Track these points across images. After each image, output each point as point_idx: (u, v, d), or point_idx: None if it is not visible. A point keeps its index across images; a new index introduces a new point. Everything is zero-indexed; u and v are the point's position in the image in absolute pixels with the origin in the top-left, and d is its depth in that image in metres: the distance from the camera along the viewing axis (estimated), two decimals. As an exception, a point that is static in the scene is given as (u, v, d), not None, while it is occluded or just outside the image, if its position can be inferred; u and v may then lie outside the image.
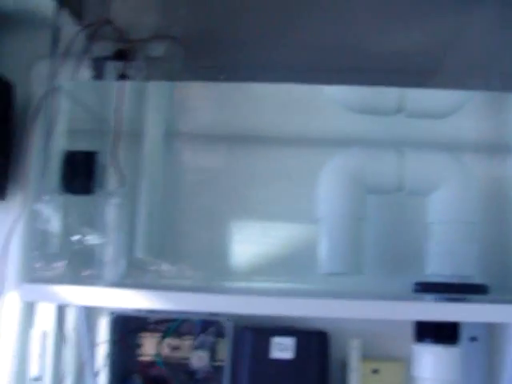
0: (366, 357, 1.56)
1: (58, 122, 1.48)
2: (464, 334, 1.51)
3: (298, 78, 1.76)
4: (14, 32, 1.65)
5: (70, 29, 1.57)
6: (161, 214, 1.58)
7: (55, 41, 1.53)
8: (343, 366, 1.58)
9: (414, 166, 1.46)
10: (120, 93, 1.45)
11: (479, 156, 1.58)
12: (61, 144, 1.48)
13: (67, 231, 1.43)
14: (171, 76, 1.66)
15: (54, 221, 1.41)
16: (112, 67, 1.56)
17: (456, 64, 1.64)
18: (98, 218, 1.48)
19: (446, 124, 1.56)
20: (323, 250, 1.45)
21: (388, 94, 1.50)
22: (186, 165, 1.64)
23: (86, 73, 1.59)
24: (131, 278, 1.52)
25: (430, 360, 1.47)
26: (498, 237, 1.53)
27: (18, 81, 1.61)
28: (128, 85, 1.51)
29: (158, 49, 1.66)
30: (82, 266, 1.46)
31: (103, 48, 1.61)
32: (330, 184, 1.47)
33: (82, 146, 1.49)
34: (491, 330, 1.60)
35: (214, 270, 1.60)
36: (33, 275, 1.35)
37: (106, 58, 1.60)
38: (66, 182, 1.42)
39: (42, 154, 1.56)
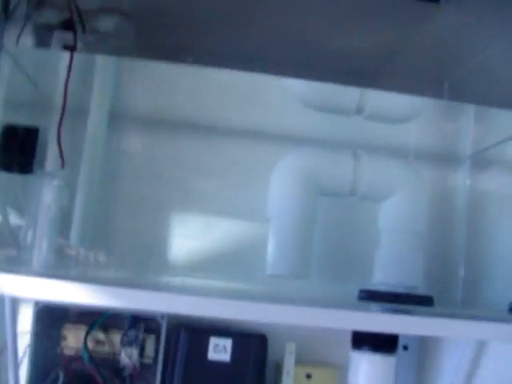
0: (300, 361, 1.53)
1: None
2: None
3: (253, 67, 1.70)
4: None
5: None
6: (98, 201, 1.48)
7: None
8: (277, 369, 1.55)
9: (369, 170, 1.43)
10: (68, 65, 1.33)
11: (429, 165, 1.57)
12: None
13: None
14: (120, 53, 1.56)
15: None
16: (58, 37, 1.44)
17: (406, 69, 1.63)
18: (32, 200, 1.36)
19: (400, 130, 1.54)
20: (271, 250, 1.40)
21: (348, 94, 1.45)
22: (129, 150, 1.55)
23: (28, 39, 1.46)
24: (59, 267, 1.41)
25: (366, 368, 1.44)
26: (442, 248, 1.53)
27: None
28: (75, 57, 1.38)
29: (106, 23, 1.55)
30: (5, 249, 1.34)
31: (49, 16, 1.48)
32: (281, 183, 1.42)
33: (20, 119, 1.36)
34: (422, 339, 1.61)
35: (150, 264, 1.51)
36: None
37: (52, 27, 1.48)
38: (3, 158, 1.29)
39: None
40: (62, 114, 1.30)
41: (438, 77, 1.65)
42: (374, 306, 1.39)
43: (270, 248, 1.40)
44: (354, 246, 1.52)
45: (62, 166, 1.30)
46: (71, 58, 1.35)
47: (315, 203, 1.42)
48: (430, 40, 1.59)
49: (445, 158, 1.61)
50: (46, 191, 1.31)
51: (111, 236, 1.51)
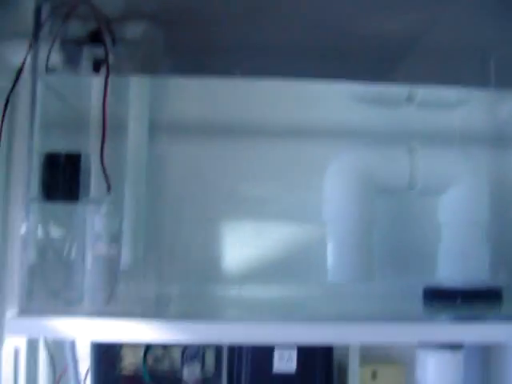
0: (365, 360, 1.50)
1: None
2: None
3: (283, 58, 1.64)
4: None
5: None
6: (146, 218, 1.43)
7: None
8: (340, 368, 1.51)
9: (426, 163, 1.37)
10: (104, 87, 1.27)
11: (486, 150, 1.50)
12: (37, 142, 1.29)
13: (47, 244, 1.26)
14: (151, 60, 1.50)
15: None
16: (88, 52, 1.38)
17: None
18: (79, 230, 1.32)
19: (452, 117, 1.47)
20: (331, 256, 1.35)
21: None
22: (173, 161, 1.49)
23: (57, 57, 1.40)
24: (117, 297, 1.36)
25: (434, 365, 1.41)
26: (506, 237, 1.47)
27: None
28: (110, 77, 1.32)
29: (134, 30, 1.49)
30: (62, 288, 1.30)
31: (76, 29, 1.43)
32: (336, 185, 1.37)
33: (59, 144, 1.31)
34: None
35: (205, 275, 1.47)
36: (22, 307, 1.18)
37: (79, 41, 1.42)
38: (47, 187, 1.24)
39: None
40: (104, 137, 1.25)
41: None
42: (439, 306, 1.34)
43: (330, 254, 1.35)
44: (414, 242, 1.46)
45: (109, 190, 1.25)
46: (107, 78, 1.28)
47: (372, 202, 1.37)
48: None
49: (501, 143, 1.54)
50: (95, 219, 1.26)
51: (164, 251, 1.47)
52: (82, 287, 1.27)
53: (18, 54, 1.37)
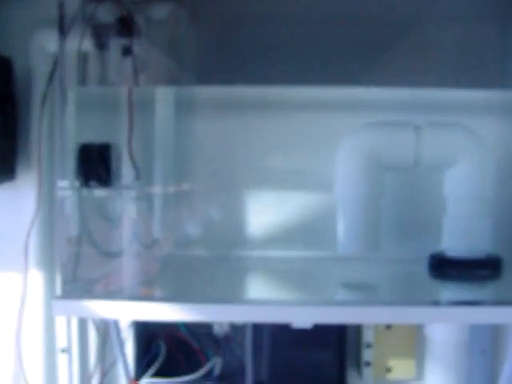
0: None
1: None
2: (474, 347, 1.61)
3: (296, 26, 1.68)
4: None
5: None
6: (175, 192, 1.57)
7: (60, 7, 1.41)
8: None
9: (431, 141, 1.43)
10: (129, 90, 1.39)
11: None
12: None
13: (86, 229, 1.42)
14: (175, 41, 1.59)
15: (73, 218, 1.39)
16: (115, 43, 1.47)
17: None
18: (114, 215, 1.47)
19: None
20: (341, 230, 1.46)
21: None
22: (199, 135, 1.61)
23: (86, 42, 1.50)
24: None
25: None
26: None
27: (16, 51, 1.53)
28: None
29: (160, 10, 1.57)
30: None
31: (104, 13, 1.51)
32: (346, 163, 1.45)
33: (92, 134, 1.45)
34: (499, 343, 1.66)
35: (231, 240, 1.62)
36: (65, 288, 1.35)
37: (108, 26, 1.51)
38: (82, 175, 1.39)
39: (49, 135, 1.53)
40: (131, 129, 1.37)
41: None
42: (442, 272, 1.45)
43: (340, 227, 1.46)
44: (419, 216, 1.56)
45: (137, 178, 1.39)
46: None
47: (381, 179, 1.46)
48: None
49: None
50: (126, 203, 1.41)
51: (190, 218, 1.61)
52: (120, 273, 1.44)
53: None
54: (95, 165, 1.37)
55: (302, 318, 1.26)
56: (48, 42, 1.52)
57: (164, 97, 1.56)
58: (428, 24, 1.58)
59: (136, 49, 1.48)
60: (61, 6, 1.39)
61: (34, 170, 1.55)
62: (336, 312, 1.26)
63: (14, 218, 1.57)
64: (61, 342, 1.63)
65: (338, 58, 1.57)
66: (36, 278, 1.57)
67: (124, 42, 1.49)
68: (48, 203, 1.54)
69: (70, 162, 1.39)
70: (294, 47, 1.58)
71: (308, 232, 1.60)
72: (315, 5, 1.57)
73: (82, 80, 1.49)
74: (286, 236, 1.61)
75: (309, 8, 1.58)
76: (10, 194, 1.58)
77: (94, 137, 1.43)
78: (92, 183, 1.37)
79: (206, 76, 1.56)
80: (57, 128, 1.43)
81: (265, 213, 1.61)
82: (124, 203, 1.44)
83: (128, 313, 1.24)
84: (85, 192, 1.40)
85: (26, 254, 1.53)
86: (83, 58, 1.52)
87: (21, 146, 1.56)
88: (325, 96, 1.59)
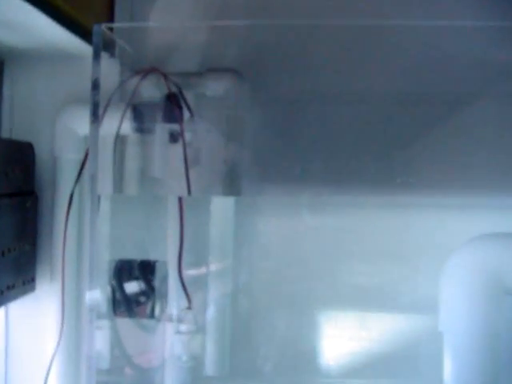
0: None
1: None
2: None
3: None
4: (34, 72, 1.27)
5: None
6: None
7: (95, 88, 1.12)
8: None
9: None
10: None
11: None
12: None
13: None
14: (235, 118, 1.29)
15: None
16: (161, 127, 1.19)
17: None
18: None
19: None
20: (447, 374, 1.13)
21: None
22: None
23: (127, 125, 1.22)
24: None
25: None
26: None
27: (39, 135, 1.25)
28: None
29: (214, 87, 1.28)
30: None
31: (148, 89, 1.23)
32: (454, 286, 1.14)
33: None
34: None
35: (304, 369, 1.30)
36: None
37: (153, 106, 1.23)
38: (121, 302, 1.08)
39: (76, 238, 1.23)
40: (181, 245, 1.06)
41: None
42: None
43: (448, 370, 1.13)
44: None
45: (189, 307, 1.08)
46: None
47: (500, 309, 1.13)
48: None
49: None
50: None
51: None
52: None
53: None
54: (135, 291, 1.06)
55: None
56: (76, 123, 1.23)
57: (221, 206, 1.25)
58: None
59: (187, 135, 1.18)
60: (95, 83, 1.10)
61: (57, 280, 1.24)
62: None
63: (34, 339, 1.26)
64: None
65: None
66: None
67: (172, 126, 1.20)
68: (73, 318, 1.23)
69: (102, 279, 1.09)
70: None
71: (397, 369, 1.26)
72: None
73: (119, 174, 1.19)
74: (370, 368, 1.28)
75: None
76: (30, 308, 1.27)
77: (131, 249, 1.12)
78: (131, 312, 1.06)
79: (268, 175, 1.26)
80: (86, 237, 1.13)
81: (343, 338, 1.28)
82: (170, 337, 1.11)
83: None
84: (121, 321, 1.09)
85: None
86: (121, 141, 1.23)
87: (41, 249, 1.26)
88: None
